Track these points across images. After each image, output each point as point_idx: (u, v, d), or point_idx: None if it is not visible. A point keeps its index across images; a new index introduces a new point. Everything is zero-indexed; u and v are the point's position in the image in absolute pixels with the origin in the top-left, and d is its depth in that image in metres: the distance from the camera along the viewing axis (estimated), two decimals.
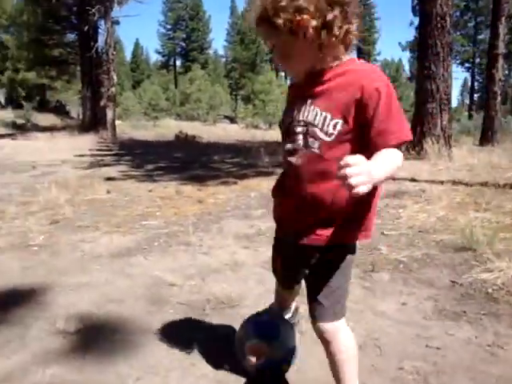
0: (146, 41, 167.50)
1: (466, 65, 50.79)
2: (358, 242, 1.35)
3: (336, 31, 1.14)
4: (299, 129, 1.25)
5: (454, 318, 2.15)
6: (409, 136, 1.17)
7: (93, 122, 18.04)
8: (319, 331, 1.34)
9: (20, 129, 20.87)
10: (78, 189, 5.49)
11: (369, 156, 1.05)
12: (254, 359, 1.58)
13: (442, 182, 5.27)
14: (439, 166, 6.82)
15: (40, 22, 20.93)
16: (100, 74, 17.54)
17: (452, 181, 5.36)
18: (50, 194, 4.95)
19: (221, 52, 64.85)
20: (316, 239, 1.27)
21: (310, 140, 1.22)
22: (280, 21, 1.12)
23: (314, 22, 1.12)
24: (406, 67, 59.15)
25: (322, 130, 1.20)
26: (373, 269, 2.78)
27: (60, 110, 32.69)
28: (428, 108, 8.08)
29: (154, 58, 71.61)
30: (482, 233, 3.09)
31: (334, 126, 1.19)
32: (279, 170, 1.48)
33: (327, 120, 1.19)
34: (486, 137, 12.93)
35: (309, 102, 1.24)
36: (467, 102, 58.86)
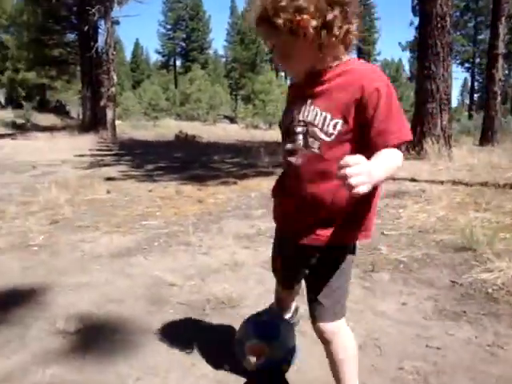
0: (146, 41, 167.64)
1: (466, 65, 50.81)
2: (358, 242, 1.35)
3: (336, 31, 1.14)
4: (299, 129, 1.25)
5: (454, 318, 2.15)
6: (409, 136, 1.17)
7: (93, 121, 18.06)
8: (319, 331, 1.34)
9: (20, 129, 20.89)
10: (78, 189, 5.49)
11: (369, 156, 1.05)
12: (254, 359, 1.59)
13: (442, 182, 5.27)
14: (439, 166, 6.82)
15: (40, 21, 20.95)
16: (100, 73, 17.54)
17: (452, 181, 5.36)
18: (50, 193, 4.95)
19: (221, 52, 64.98)
20: (316, 239, 1.27)
21: (310, 140, 1.22)
22: (280, 21, 1.12)
23: (314, 22, 1.12)
24: (406, 67, 59.23)
25: (322, 130, 1.20)
26: (373, 269, 2.78)
27: (60, 109, 32.70)
28: (428, 108, 8.08)
29: (154, 57, 71.72)
30: (482, 233, 3.09)
31: (334, 126, 1.19)
32: (279, 170, 1.48)
33: (327, 120, 1.19)
34: (486, 137, 12.93)
35: (309, 102, 1.24)
36: (467, 102, 58.87)
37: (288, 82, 26.43)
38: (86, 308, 2.30)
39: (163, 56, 64.84)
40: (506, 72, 37.81)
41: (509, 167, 6.40)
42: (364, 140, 1.16)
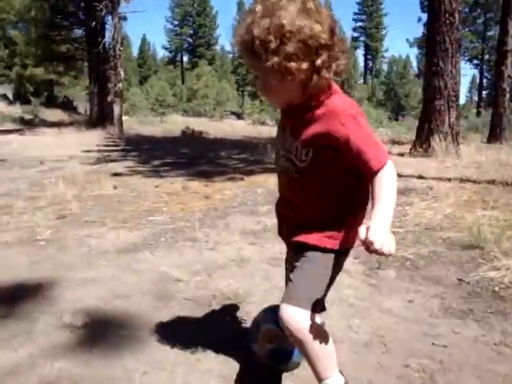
0: (153, 36, 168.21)
1: (475, 61, 50.51)
2: (340, 247, 1.35)
3: (325, 74, 1.17)
4: (282, 152, 1.37)
5: (460, 316, 2.14)
6: (387, 157, 1.22)
7: (100, 117, 18.08)
8: (280, 313, 1.31)
9: (28, 124, 21.00)
10: (85, 184, 5.51)
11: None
12: (266, 343, 1.61)
13: (449, 180, 5.24)
14: (447, 163, 6.79)
15: (48, 17, 21.00)
16: (107, 69, 17.55)
17: (459, 178, 5.33)
18: (57, 189, 4.98)
19: (228, 48, 64.70)
20: (300, 238, 1.35)
21: (289, 164, 1.33)
22: (269, 64, 1.13)
23: (303, 67, 1.14)
24: (414, 64, 58.82)
25: (296, 156, 1.30)
26: (379, 266, 2.77)
27: (67, 105, 32.82)
28: (436, 105, 8.03)
29: (161, 53, 71.62)
30: (489, 231, 3.07)
31: (306, 154, 1.27)
32: None
33: (299, 149, 1.29)
34: (495, 134, 12.85)
35: (288, 131, 1.34)
36: (475, 98, 58.54)
37: None
38: (93, 303, 2.31)
39: (170, 52, 64.97)
40: None
41: None
42: (338, 162, 1.24)
